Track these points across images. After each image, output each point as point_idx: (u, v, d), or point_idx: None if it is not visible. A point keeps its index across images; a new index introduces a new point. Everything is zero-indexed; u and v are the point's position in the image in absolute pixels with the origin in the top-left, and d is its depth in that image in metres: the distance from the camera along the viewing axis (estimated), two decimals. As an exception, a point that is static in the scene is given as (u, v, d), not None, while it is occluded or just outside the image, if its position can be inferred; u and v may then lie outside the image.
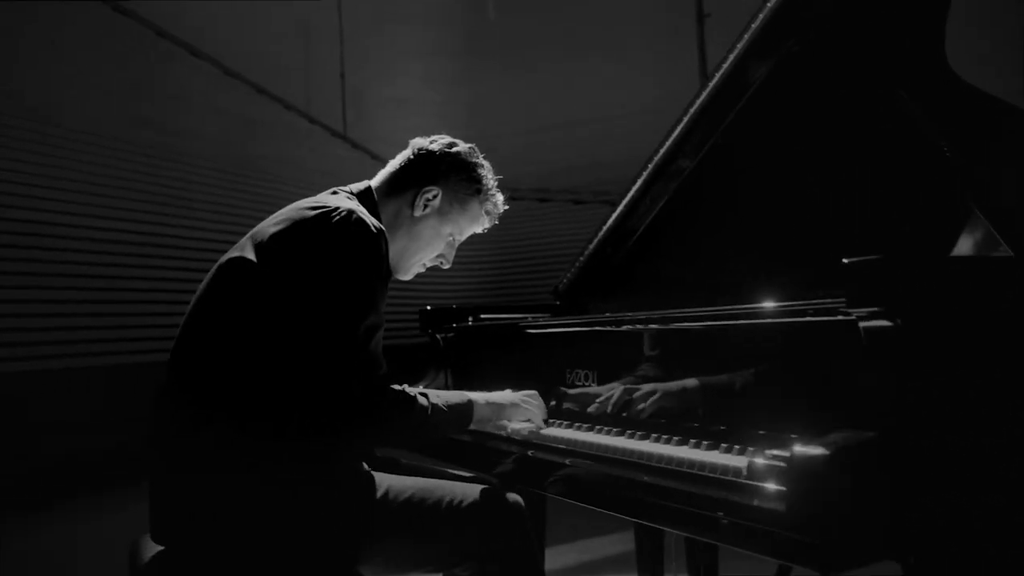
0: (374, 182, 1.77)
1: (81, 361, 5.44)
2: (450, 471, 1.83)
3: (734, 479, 1.18)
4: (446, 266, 1.87)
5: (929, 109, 1.68)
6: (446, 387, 2.41)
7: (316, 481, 1.49)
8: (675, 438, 1.44)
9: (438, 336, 2.50)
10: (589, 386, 1.83)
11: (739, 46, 1.93)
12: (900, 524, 1.08)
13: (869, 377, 1.14)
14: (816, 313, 1.25)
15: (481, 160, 1.81)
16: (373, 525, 1.52)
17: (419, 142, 1.78)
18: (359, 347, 1.48)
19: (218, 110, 7.05)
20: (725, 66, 1.98)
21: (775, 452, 1.14)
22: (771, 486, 1.12)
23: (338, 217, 1.50)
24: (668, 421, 1.57)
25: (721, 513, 1.18)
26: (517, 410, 1.72)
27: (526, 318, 2.57)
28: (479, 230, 1.85)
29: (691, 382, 1.56)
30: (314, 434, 1.46)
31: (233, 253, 1.56)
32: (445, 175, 1.74)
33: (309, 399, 1.45)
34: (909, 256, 1.15)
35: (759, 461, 1.16)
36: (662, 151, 2.26)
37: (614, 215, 2.55)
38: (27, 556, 3.64)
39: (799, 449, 1.08)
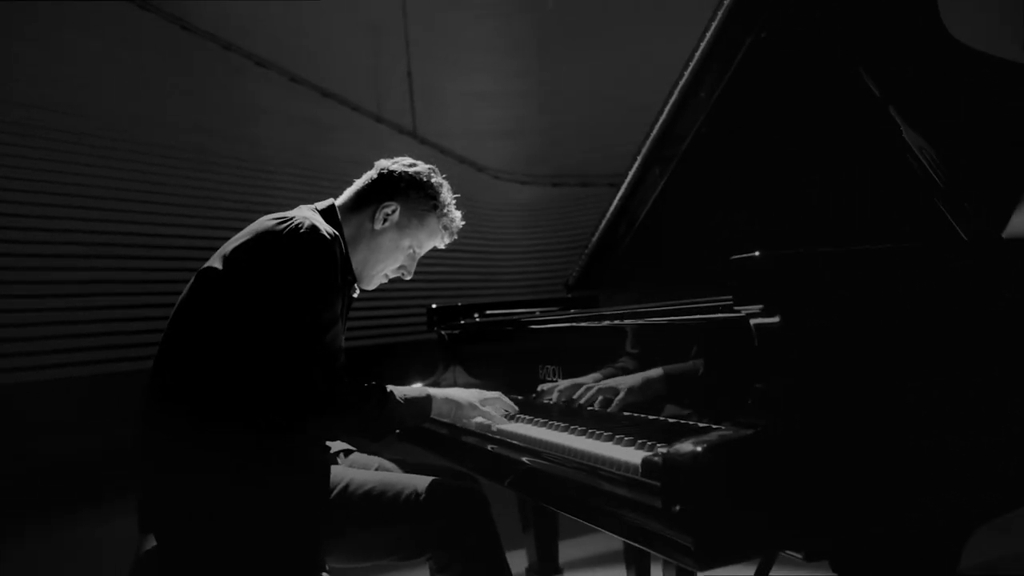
0: (339, 200, 1.88)
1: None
2: (431, 465, 1.91)
3: (625, 475, 1.21)
4: (407, 277, 1.97)
5: (888, 89, 1.63)
6: (453, 382, 2.49)
7: (281, 474, 1.59)
8: (603, 433, 1.47)
9: (443, 332, 2.58)
10: (555, 380, 1.88)
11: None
12: (784, 516, 1.08)
13: (759, 372, 1.15)
14: (713, 311, 1.25)
15: (440, 180, 1.92)
16: (334, 516, 1.61)
17: (382, 163, 1.90)
18: (316, 343, 1.58)
19: (287, 117, 7.34)
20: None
21: (662, 450, 1.16)
22: (654, 482, 1.13)
23: (292, 227, 1.61)
24: (607, 416, 1.61)
25: (619, 508, 1.21)
26: (475, 411, 1.79)
27: (531, 312, 2.63)
28: (440, 244, 1.96)
29: (625, 379, 1.59)
30: (279, 425, 1.58)
31: (206, 263, 1.68)
32: (404, 192, 1.85)
33: (273, 393, 1.57)
34: (789, 252, 1.13)
35: (652, 458, 1.18)
36: (651, 137, 2.26)
37: (611, 208, 2.56)
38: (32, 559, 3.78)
39: (672, 448, 1.09)
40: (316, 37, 7.73)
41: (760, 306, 1.12)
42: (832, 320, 1.14)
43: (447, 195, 1.92)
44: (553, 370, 1.88)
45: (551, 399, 1.83)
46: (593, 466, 1.31)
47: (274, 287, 1.58)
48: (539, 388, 1.92)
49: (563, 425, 1.65)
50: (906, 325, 1.18)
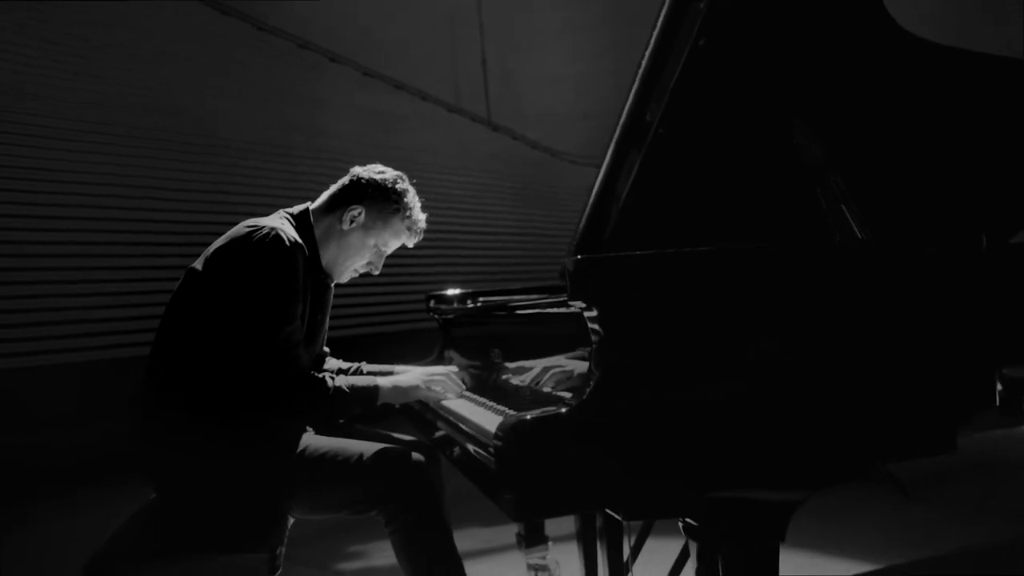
0: (314, 204, 2.13)
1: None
2: (393, 435, 2.16)
3: (485, 440, 1.41)
4: (375, 272, 2.19)
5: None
6: (444, 363, 2.73)
7: (250, 443, 1.87)
8: (503, 409, 1.68)
9: (438, 317, 2.83)
10: (501, 363, 2.10)
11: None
12: (589, 481, 1.26)
13: (590, 356, 1.33)
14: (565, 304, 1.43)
15: (406, 185, 2.13)
16: (292, 476, 1.89)
17: (355, 170, 2.14)
18: (272, 340, 1.84)
19: (361, 109, 7.74)
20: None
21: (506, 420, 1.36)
22: (496, 443, 1.33)
23: (260, 235, 1.87)
24: (540, 396, 1.81)
25: (485, 470, 1.42)
26: (419, 391, 2.01)
27: (521, 299, 2.83)
28: (408, 243, 2.17)
29: (549, 362, 1.79)
30: (240, 410, 1.86)
31: (193, 263, 1.98)
32: (371, 196, 2.07)
33: (237, 381, 1.84)
34: (603, 255, 1.30)
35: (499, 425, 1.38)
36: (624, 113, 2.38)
37: (594, 192, 2.70)
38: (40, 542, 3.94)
39: (509, 417, 1.30)
40: (390, 30, 8.09)
41: (582, 303, 1.31)
42: (638, 316, 1.30)
43: (412, 199, 2.12)
44: (503, 352, 2.09)
45: (510, 379, 2.03)
46: (474, 434, 1.52)
47: (237, 289, 1.84)
48: (507, 367, 2.13)
49: (487, 402, 1.86)
50: (704, 323, 1.33)
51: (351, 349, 2.62)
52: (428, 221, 2.20)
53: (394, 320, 7.08)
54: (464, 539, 3.30)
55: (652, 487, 1.27)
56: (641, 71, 2.16)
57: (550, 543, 2.81)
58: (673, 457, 1.27)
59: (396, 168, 2.18)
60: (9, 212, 5.26)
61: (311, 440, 1.96)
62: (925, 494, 3.61)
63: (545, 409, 1.29)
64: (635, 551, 2.12)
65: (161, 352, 1.93)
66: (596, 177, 2.49)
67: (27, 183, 5.40)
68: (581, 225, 2.70)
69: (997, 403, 1.56)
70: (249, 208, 6.48)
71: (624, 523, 2.08)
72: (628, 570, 2.11)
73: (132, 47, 6.15)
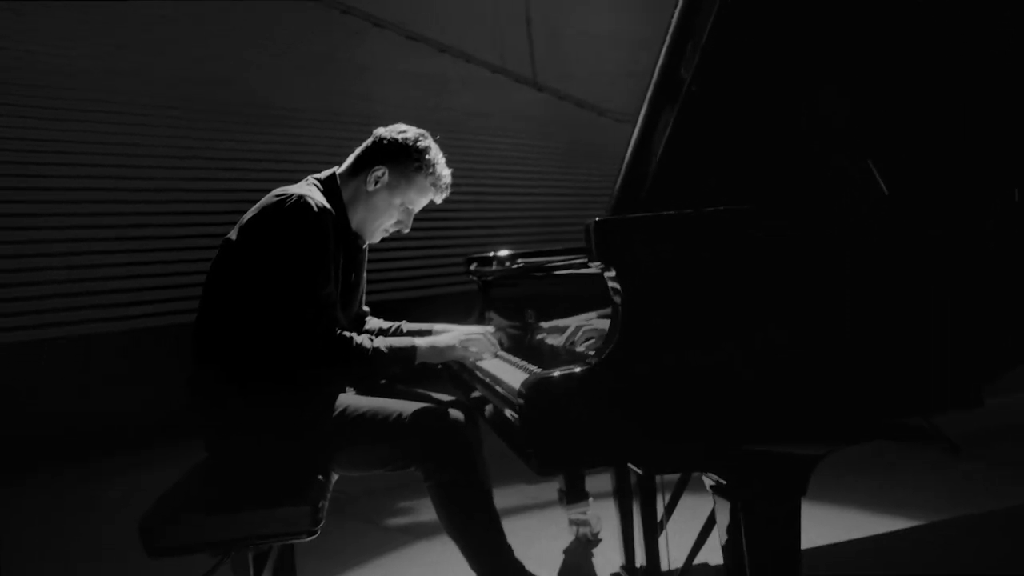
0: (340, 168, 2.17)
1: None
2: (432, 395, 2.22)
3: (511, 397, 1.45)
4: (405, 230, 2.23)
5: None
6: (485, 324, 2.78)
7: (288, 404, 1.94)
8: (532, 368, 1.71)
9: (476, 279, 2.87)
10: (535, 323, 2.13)
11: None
12: (611, 437, 1.29)
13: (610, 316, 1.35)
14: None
15: (428, 142, 2.15)
16: (331, 435, 1.96)
17: (377, 131, 2.17)
18: (307, 303, 1.90)
19: (405, 73, 7.74)
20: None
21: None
22: (519, 401, 1.36)
23: (289, 202, 1.93)
24: (575, 355, 1.84)
25: (512, 426, 1.46)
26: (455, 351, 2.04)
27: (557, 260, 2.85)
28: (436, 199, 2.19)
29: (574, 319, 1.81)
30: (280, 371, 1.93)
31: (228, 234, 2.04)
32: (394, 156, 2.11)
33: (275, 345, 1.90)
34: (620, 217, 1.31)
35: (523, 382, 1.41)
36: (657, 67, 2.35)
37: (628, 152, 2.69)
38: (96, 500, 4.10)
39: (528, 377, 1.33)
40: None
41: (600, 264, 1.32)
42: (655, 276, 1.32)
43: (434, 156, 2.14)
44: (556, 313, 2.11)
45: (546, 339, 2.06)
46: (504, 393, 1.56)
47: (270, 256, 1.90)
48: (542, 327, 2.17)
49: (519, 362, 1.90)
50: (721, 282, 1.34)
51: (400, 312, 2.67)
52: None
53: (442, 283, 7.15)
54: (510, 495, 3.40)
55: (670, 443, 1.29)
56: (672, 27, 2.14)
57: (591, 499, 2.88)
58: (690, 414, 1.29)
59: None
60: (70, 186, 5.43)
61: (351, 400, 2.03)
62: (978, 452, 3.55)
63: (567, 367, 1.32)
64: (669, 509, 2.16)
65: (204, 320, 2.01)
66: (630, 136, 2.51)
67: (87, 156, 5.57)
68: (617, 185, 2.72)
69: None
70: (296, 175, 6.60)
71: (657, 482, 2.11)
72: (662, 528, 2.15)
73: (177, 19, 6.26)
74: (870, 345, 1.38)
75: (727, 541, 1.43)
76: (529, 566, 2.12)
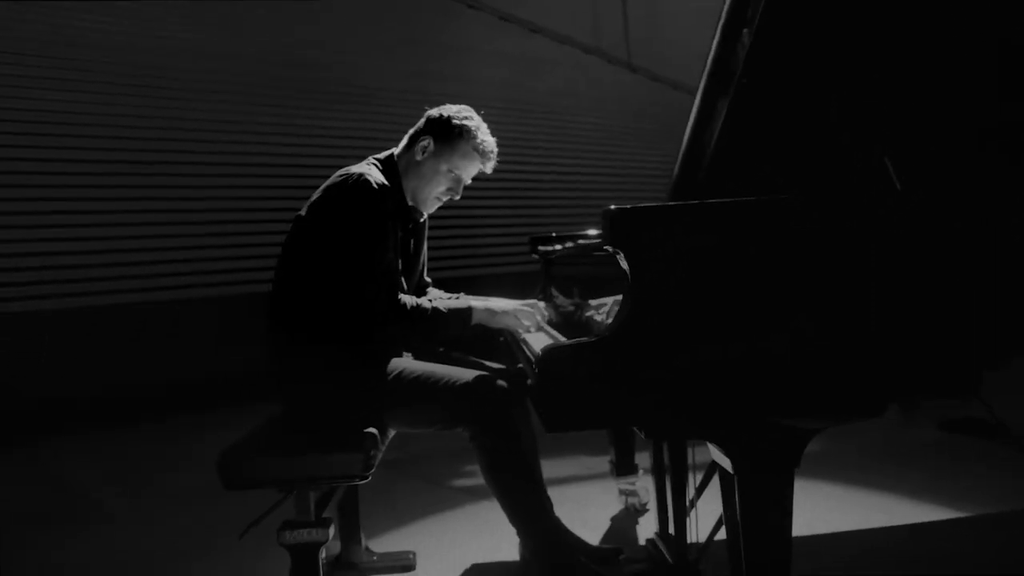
0: (397, 148, 2.37)
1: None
2: (484, 363, 2.41)
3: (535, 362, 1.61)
4: (456, 197, 2.40)
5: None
6: (547, 300, 2.94)
7: (352, 365, 2.17)
8: (563, 337, 1.87)
9: (538, 258, 3.03)
10: (581, 300, 2.28)
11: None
12: (614, 402, 1.44)
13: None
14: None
15: (470, 113, 2.36)
16: (388, 393, 2.17)
17: (428, 112, 2.35)
18: (372, 271, 2.11)
19: (497, 54, 7.92)
20: None
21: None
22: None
23: (351, 181, 2.15)
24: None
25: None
26: (508, 317, 2.22)
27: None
28: (481, 165, 2.36)
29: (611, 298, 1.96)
30: (348, 333, 2.15)
31: (299, 211, 2.27)
32: (438, 127, 2.32)
33: (346, 311, 2.13)
34: (633, 206, 1.44)
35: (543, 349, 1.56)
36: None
37: (686, 137, 2.78)
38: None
39: (546, 345, 1.49)
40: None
41: (611, 247, 1.46)
42: (661, 261, 1.45)
43: (475, 124, 2.33)
44: (608, 291, 2.25)
45: (594, 316, 2.21)
46: (530, 357, 1.73)
47: (335, 229, 2.13)
48: (590, 305, 2.32)
49: (555, 334, 2.06)
50: (722, 267, 1.45)
51: (489, 289, 2.81)
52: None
53: (521, 261, 7.33)
54: (569, 465, 3.57)
55: (668, 411, 1.43)
56: (722, 21, 2.24)
57: (640, 472, 3.02)
58: (687, 387, 1.43)
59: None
60: (167, 159, 5.80)
61: (409, 363, 2.24)
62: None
63: (579, 338, 1.47)
64: (700, 488, 2.28)
65: (279, 289, 2.25)
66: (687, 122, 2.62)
67: (179, 132, 5.93)
68: (676, 169, 2.83)
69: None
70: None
71: (689, 461, 2.24)
72: (693, 505, 2.27)
73: (277, 5, 6.62)
74: (862, 331, 1.47)
75: (729, 514, 1.55)
76: (577, 529, 2.30)
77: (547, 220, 7.29)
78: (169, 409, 5.14)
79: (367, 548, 2.62)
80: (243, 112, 6.26)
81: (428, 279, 2.62)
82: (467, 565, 2.60)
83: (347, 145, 6.64)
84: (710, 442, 1.50)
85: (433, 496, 3.33)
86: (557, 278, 2.92)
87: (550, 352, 1.45)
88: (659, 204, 1.48)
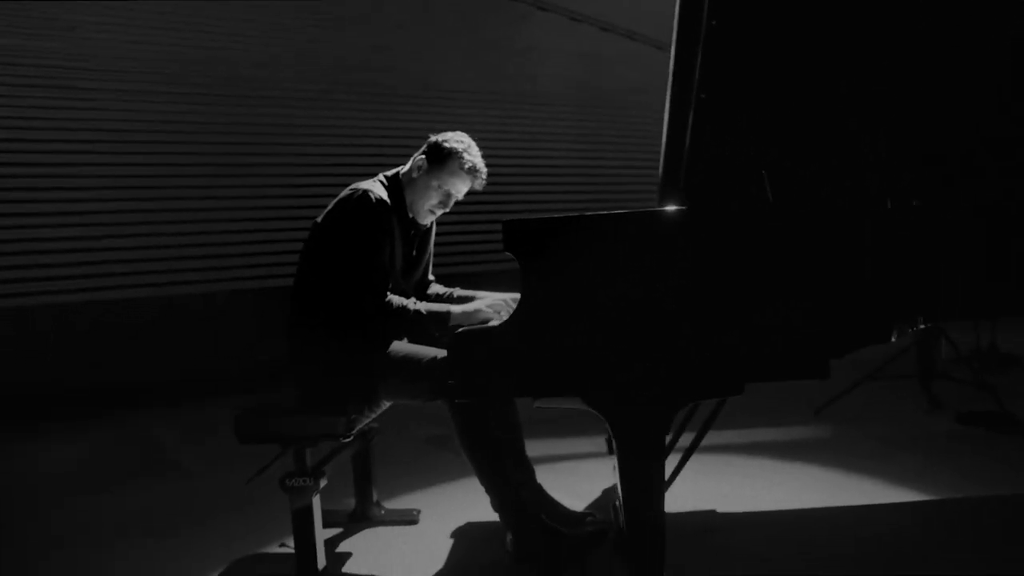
0: (404, 168, 2.76)
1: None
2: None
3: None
4: (446, 209, 2.77)
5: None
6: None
7: (350, 350, 2.59)
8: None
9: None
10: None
11: None
12: (504, 376, 1.79)
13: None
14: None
15: (461, 138, 2.71)
16: (378, 368, 2.58)
17: (429, 137, 2.75)
18: (367, 277, 2.52)
19: (567, 54, 8.23)
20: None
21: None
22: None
23: (355, 196, 2.57)
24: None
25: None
26: (481, 313, 2.57)
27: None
28: (471, 184, 2.72)
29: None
30: (348, 324, 2.57)
31: (317, 217, 2.71)
32: (431, 148, 2.71)
33: (346, 309, 2.56)
34: (523, 219, 1.78)
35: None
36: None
37: (662, 146, 3.04)
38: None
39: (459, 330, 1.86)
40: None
41: (509, 254, 1.81)
42: (546, 267, 1.78)
43: (464, 146, 2.68)
44: None
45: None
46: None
47: (339, 238, 2.56)
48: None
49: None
50: (589, 273, 1.77)
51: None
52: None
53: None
54: (582, 443, 3.89)
55: (542, 384, 1.77)
56: (673, 48, 2.54)
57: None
58: (559, 366, 1.77)
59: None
60: (238, 162, 6.37)
61: (400, 345, 2.65)
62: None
63: (482, 326, 1.84)
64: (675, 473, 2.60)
65: (297, 286, 2.69)
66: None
67: (276, 137, 6.55)
68: (660, 174, 3.10)
69: (891, 339, 1.83)
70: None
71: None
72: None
73: (357, 17, 7.16)
74: (722, 325, 1.76)
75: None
76: (568, 498, 2.67)
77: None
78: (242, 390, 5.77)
79: (378, 503, 3.06)
80: (324, 116, 6.84)
81: (432, 277, 3.03)
82: (462, 523, 2.99)
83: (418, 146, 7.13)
84: (588, 407, 1.82)
85: (445, 463, 3.72)
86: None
87: (458, 336, 1.82)
88: (544, 217, 1.80)
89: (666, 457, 1.88)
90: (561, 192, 8.13)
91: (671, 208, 1.95)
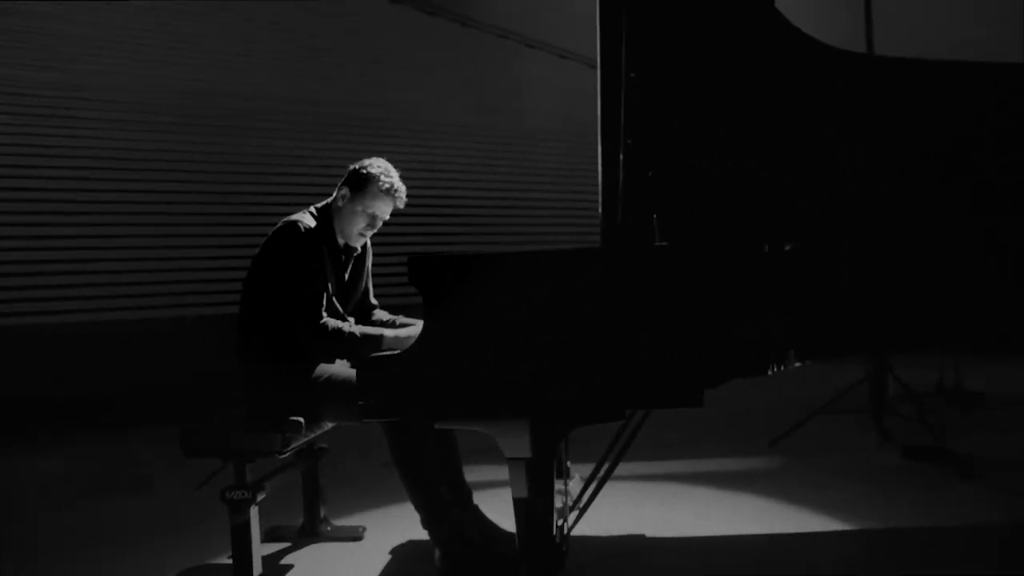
0: (331, 199, 2.94)
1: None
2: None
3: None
4: (373, 231, 2.93)
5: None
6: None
7: (290, 372, 2.76)
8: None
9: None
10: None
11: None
12: (412, 398, 1.96)
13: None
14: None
15: (378, 163, 2.91)
16: (314, 390, 2.74)
17: (349, 167, 2.94)
18: (298, 303, 2.68)
19: (556, 90, 8.48)
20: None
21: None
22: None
23: (283, 226, 2.77)
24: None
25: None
26: (411, 340, 2.73)
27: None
28: (394, 203, 2.90)
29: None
30: (284, 346, 2.74)
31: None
32: (352, 176, 2.89)
33: (281, 333, 2.73)
34: (426, 254, 1.96)
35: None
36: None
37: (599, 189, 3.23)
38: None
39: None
40: (585, 12, 8.67)
41: (415, 288, 1.99)
42: (445, 300, 1.95)
43: (381, 170, 2.87)
44: None
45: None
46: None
47: (267, 267, 2.76)
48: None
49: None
50: (481, 306, 1.94)
51: None
52: None
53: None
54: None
55: (436, 407, 1.94)
56: (599, 100, 2.74)
57: (576, 476, 3.45)
58: (454, 391, 1.94)
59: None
60: (242, 190, 6.68)
61: (337, 368, 2.81)
62: (985, 475, 3.68)
63: (388, 353, 2.01)
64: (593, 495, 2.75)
65: (241, 313, 2.87)
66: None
67: (265, 167, 6.81)
68: (600, 213, 3.28)
69: (769, 372, 1.98)
70: (451, 185, 7.56)
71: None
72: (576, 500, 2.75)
73: (349, 52, 7.44)
74: (604, 355, 1.92)
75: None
76: (504, 519, 2.81)
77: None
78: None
79: (325, 519, 3.21)
80: (315, 148, 7.09)
81: (375, 302, 3.19)
82: (404, 540, 3.13)
83: (413, 179, 7.35)
84: (483, 429, 1.99)
85: (399, 484, 3.84)
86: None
87: (365, 361, 1.99)
88: (442, 254, 1.99)
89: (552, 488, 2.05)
90: (548, 225, 8.34)
91: (553, 250, 2.13)
